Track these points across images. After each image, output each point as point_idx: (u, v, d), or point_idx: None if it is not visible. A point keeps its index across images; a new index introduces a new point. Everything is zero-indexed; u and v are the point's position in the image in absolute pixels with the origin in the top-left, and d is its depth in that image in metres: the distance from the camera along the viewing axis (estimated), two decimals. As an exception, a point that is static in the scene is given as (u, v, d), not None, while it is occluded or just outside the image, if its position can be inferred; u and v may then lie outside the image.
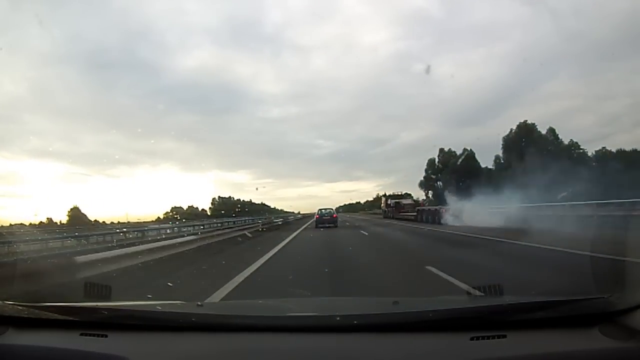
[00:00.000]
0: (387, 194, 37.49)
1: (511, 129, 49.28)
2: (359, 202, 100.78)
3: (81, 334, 1.71)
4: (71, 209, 44.71)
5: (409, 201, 34.88)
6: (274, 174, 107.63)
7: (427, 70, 71.13)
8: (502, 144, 49.67)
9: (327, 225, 23.21)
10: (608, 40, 52.70)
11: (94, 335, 1.70)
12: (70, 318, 1.81)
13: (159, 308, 2.11)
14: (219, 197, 69.12)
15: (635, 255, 4.86)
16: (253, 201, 70.06)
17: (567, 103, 70.64)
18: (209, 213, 58.70)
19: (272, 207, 71.55)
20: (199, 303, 2.33)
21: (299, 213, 61.09)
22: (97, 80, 75.79)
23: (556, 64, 74.35)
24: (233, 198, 69.74)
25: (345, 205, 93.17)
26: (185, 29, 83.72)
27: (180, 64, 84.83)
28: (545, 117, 64.44)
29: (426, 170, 64.28)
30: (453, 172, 53.39)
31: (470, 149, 56.19)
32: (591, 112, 61.71)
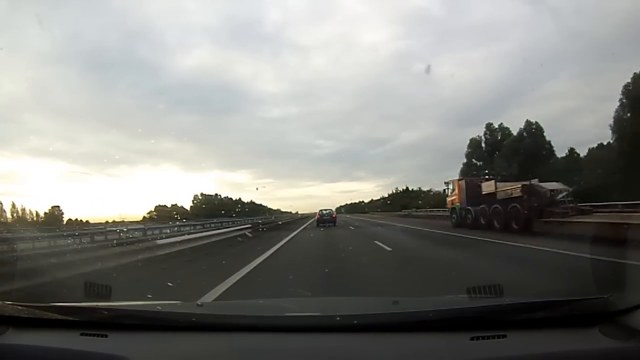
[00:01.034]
0: (474, 175, 21.36)
1: (634, 74, 29.06)
2: (363, 201, 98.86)
3: (81, 334, 1.71)
4: (50, 208, 43.75)
5: (558, 185, 15.16)
6: (274, 174, 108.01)
7: (428, 70, 71.10)
8: (622, 100, 29.05)
9: (327, 224, 25.58)
10: (608, 39, 52.11)
11: (94, 335, 1.70)
12: (70, 318, 1.81)
13: (159, 308, 2.11)
14: (202, 194, 62.52)
15: None
16: (244, 200, 63.93)
17: (568, 103, 70.47)
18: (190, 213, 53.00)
19: (264, 205, 66.54)
20: (199, 303, 2.33)
21: (297, 213, 60.25)
22: (96, 80, 75.91)
23: (556, 64, 73.87)
24: (220, 196, 63.61)
25: (347, 205, 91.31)
26: (184, 28, 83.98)
27: (180, 63, 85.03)
28: (545, 117, 63.54)
29: (467, 155, 44.98)
30: (513, 154, 36.68)
31: (536, 122, 38.42)
32: (592, 112, 61.06)
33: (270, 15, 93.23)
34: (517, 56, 67.61)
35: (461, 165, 44.43)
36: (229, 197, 65.19)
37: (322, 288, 5.77)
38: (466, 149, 44.84)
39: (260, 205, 64.68)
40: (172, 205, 54.41)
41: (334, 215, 27.86)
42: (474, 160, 44.33)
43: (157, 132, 74.61)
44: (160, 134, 75.68)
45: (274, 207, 72.60)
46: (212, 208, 49.28)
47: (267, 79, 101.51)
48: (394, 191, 73.91)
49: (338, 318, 1.75)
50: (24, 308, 1.86)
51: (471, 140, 44.63)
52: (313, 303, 2.78)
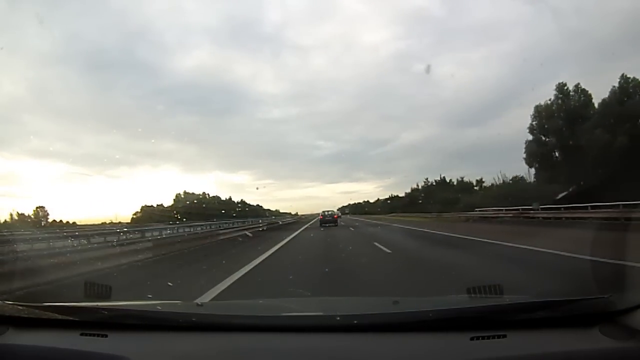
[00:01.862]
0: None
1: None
2: (368, 201, 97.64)
3: (81, 334, 1.71)
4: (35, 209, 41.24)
5: None
6: (275, 175, 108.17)
7: (428, 70, 70.84)
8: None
9: (329, 225, 27.93)
10: (608, 39, 51.58)
11: (94, 335, 1.70)
12: (70, 318, 1.82)
13: (159, 308, 2.12)
14: (185, 192, 55.29)
15: None
16: (234, 199, 58.01)
17: (568, 104, 69.88)
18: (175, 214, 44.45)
19: (260, 206, 62.83)
20: (199, 303, 2.34)
21: (296, 214, 59.31)
22: (96, 80, 75.50)
23: (556, 64, 73.42)
24: (208, 195, 56.93)
25: (350, 205, 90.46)
26: (184, 28, 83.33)
27: (180, 64, 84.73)
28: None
29: (533, 129, 32.01)
30: (615, 122, 25.49)
31: (634, 77, 27.34)
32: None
33: (270, 15, 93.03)
34: (517, 56, 67.08)
35: (524, 145, 32.43)
36: (218, 195, 58.87)
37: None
38: (530, 121, 31.82)
39: (258, 206, 61.34)
40: (158, 205, 48.93)
41: (335, 217, 31.22)
42: (543, 137, 31.70)
43: (157, 132, 74.31)
44: (160, 134, 75.73)
45: (274, 208, 71.10)
46: (196, 209, 42.91)
47: (267, 80, 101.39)
48: (424, 183, 59.25)
49: (338, 318, 1.76)
50: (24, 308, 1.86)
51: (537, 108, 31.34)
52: (313, 303, 2.78)
